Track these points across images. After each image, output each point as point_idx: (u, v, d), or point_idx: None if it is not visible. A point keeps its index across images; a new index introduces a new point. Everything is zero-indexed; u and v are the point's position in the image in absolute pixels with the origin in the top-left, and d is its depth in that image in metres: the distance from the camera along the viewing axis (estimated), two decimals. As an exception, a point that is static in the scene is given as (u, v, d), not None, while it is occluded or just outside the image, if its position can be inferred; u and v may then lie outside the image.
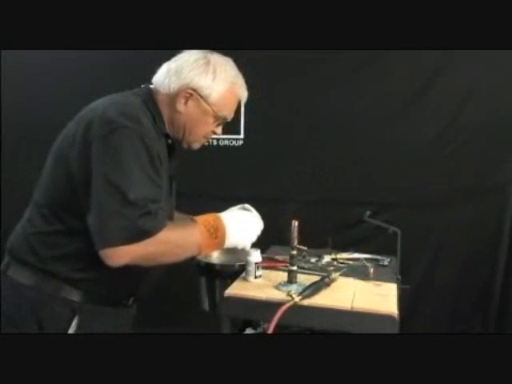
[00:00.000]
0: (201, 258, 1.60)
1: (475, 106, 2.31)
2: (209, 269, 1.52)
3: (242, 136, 2.52)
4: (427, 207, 2.39)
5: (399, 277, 1.52)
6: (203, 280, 1.54)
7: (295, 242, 1.38)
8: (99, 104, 1.25)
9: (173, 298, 2.33)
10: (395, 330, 1.20)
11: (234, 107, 1.34)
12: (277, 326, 1.14)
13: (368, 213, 1.83)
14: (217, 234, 1.23)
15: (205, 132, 1.33)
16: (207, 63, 1.27)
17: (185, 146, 1.35)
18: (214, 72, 1.27)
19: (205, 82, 1.26)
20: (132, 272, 1.17)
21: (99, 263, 1.12)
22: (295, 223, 1.38)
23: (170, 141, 1.30)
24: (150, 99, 1.28)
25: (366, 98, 2.40)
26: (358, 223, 2.21)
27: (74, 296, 1.20)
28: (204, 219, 1.25)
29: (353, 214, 2.30)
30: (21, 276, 1.22)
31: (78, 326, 1.19)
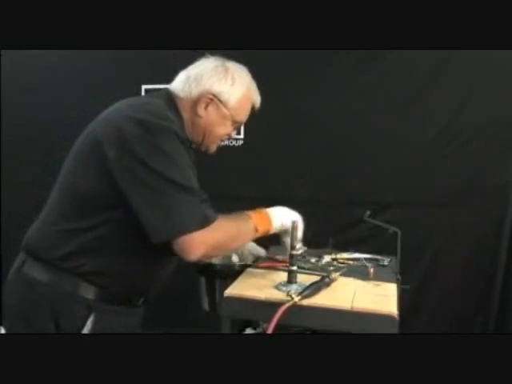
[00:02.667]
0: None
1: (475, 106, 2.31)
2: (209, 269, 1.52)
3: (242, 136, 2.52)
4: (427, 207, 2.38)
5: (399, 277, 1.52)
6: (203, 280, 1.54)
7: (295, 242, 1.38)
8: (123, 106, 1.31)
9: (173, 298, 2.33)
10: (395, 330, 1.20)
11: (249, 111, 1.42)
12: (277, 325, 1.14)
13: (368, 213, 1.82)
14: (262, 215, 1.34)
15: (223, 134, 1.41)
16: (226, 70, 1.35)
17: (203, 149, 1.42)
18: (233, 78, 1.35)
19: (224, 87, 1.33)
20: (145, 270, 1.26)
21: (116, 259, 1.21)
22: (295, 223, 1.38)
23: (193, 145, 1.38)
24: (172, 103, 1.34)
25: (365, 98, 2.40)
26: (358, 223, 2.21)
27: (90, 293, 1.23)
28: (252, 212, 1.35)
29: (353, 213, 2.30)
30: (37, 273, 1.24)
31: (94, 324, 1.22)
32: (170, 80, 2.59)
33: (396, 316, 1.21)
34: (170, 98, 1.35)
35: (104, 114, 1.31)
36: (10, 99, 2.75)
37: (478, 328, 2.39)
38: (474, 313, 2.40)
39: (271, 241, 1.95)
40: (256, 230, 1.31)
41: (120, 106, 1.31)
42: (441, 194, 2.37)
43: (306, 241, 1.74)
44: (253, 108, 1.42)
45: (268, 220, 1.35)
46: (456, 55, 2.28)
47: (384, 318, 1.21)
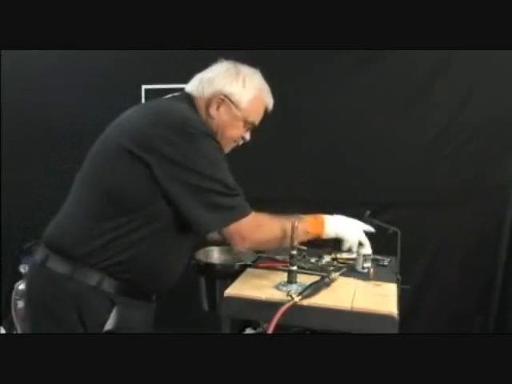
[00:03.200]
0: (201, 258, 1.60)
1: (475, 106, 2.31)
2: (209, 269, 1.52)
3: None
4: (427, 207, 2.38)
5: (399, 277, 1.52)
6: (203, 280, 1.54)
7: (295, 242, 1.38)
8: (148, 108, 1.38)
9: (173, 298, 2.33)
10: (395, 330, 1.20)
11: (261, 113, 1.45)
12: (277, 325, 1.14)
13: (368, 213, 1.82)
14: (317, 219, 1.40)
15: (235, 136, 1.44)
16: (238, 73, 1.39)
17: None
18: (244, 80, 1.39)
19: (235, 88, 1.37)
20: (168, 264, 1.34)
21: (141, 254, 1.26)
22: (295, 223, 1.38)
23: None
24: (192, 104, 1.38)
25: (365, 98, 2.40)
26: (358, 223, 2.21)
27: (113, 287, 1.27)
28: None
29: (353, 214, 2.30)
30: (61, 267, 1.26)
31: (116, 318, 1.26)
32: (169, 80, 2.59)
33: (396, 316, 1.21)
34: (190, 100, 1.39)
35: (128, 117, 1.35)
36: (9, 99, 2.75)
37: (478, 328, 2.39)
38: (473, 313, 2.40)
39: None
40: (307, 232, 1.37)
41: (146, 108, 1.40)
42: (441, 194, 2.37)
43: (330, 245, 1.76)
44: (266, 111, 1.45)
45: (321, 225, 1.40)
46: (456, 55, 2.28)
47: (384, 318, 1.21)
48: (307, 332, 1.33)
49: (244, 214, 1.28)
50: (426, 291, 2.42)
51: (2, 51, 2.61)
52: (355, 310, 1.24)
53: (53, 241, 1.31)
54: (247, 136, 1.48)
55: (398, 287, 1.44)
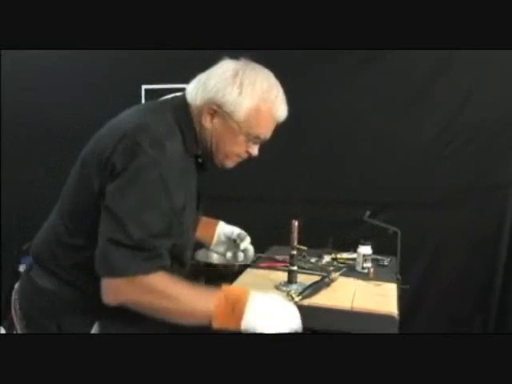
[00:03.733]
0: (201, 258, 1.60)
1: (475, 106, 2.31)
2: (209, 269, 1.52)
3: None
4: (427, 207, 2.38)
5: (399, 277, 1.52)
6: (203, 280, 1.54)
7: (295, 242, 1.38)
8: (130, 119, 1.17)
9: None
10: (395, 330, 1.21)
11: (268, 125, 1.20)
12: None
13: (368, 213, 1.83)
14: (234, 306, 1.07)
15: (236, 152, 1.21)
16: (234, 75, 1.15)
17: (218, 165, 1.24)
18: (241, 86, 1.14)
19: (229, 96, 1.14)
20: None
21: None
22: (295, 223, 1.38)
23: (200, 160, 1.22)
24: (184, 113, 1.19)
25: (365, 98, 2.40)
26: (358, 223, 2.21)
27: (92, 304, 1.13)
28: (231, 288, 1.17)
29: (353, 213, 2.30)
30: (42, 280, 1.21)
31: (98, 331, 1.18)
32: (169, 80, 2.59)
33: (396, 316, 1.22)
34: (184, 108, 1.19)
35: (110, 125, 1.22)
36: (10, 99, 2.75)
37: (478, 328, 2.39)
38: (473, 313, 2.40)
39: (270, 241, 1.96)
40: (210, 320, 1.06)
41: (128, 118, 1.19)
42: (441, 194, 2.38)
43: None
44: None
45: (237, 320, 1.07)
46: (456, 55, 2.29)
47: (384, 317, 1.21)
48: (307, 332, 1.33)
49: (134, 274, 1.04)
50: (426, 291, 2.42)
51: (2, 51, 2.61)
52: (355, 310, 1.24)
53: (34, 251, 1.26)
54: (254, 151, 1.23)
55: (398, 287, 1.45)
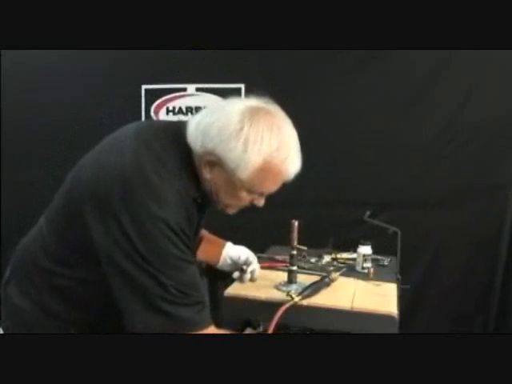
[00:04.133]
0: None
1: (475, 106, 2.31)
2: (210, 269, 1.52)
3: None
4: (427, 207, 2.38)
5: (399, 277, 1.52)
6: (205, 280, 1.54)
7: (295, 242, 1.38)
8: (129, 154, 1.03)
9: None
10: (395, 330, 1.21)
11: (276, 184, 1.09)
12: (277, 325, 1.14)
13: (368, 213, 1.83)
14: None
15: (237, 204, 1.14)
16: (239, 130, 1.00)
17: (219, 208, 1.16)
18: (246, 143, 1.00)
19: (232, 153, 1.01)
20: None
21: (94, 310, 1.09)
22: (295, 223, 1.38)
23: (199, 200, 1.10)
24: (187, 157, 1.07)
25: (365, 98, 2.39)
26: (358, 223, 2.21)
27: (69, 330, 1.11)
28: None
29: (353, 213, 2.30)
30: (18, 299, 1.15)
31: None
32: (169, 80, 2.59)
33: (396, 316, 1.22)
34: (187, 151, 1.07)
35: (106, 151, 1.10)
36: (10, 99, 2.74)
37: (478, 328, 2.39)
38: (473, 313, 2.40)
39: (270, 241, 1.96)
40: None
41: (125, 145, 1.06)
42: (441, 193, 2.37)
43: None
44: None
45: None
46: (456, 55, 2.28)
47: (384, 318, 1.21)
48: (307, 332, 1.33)
49: (195, 330, 1.01)
50: (427, 291, 2.42)
51: (2, 51, 2.61)
52: (355, 310, 1.25)
53: (13, 265, 1.20)
54: (260, 203, 1.14)
55: (398, 287, 1.45)
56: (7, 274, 1.20)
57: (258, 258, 1.62)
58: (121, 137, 1.12)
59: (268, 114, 1.06)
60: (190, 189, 1.06)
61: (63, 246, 1.10)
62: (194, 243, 1.16)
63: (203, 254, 1.37)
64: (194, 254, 1.17)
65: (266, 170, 1.03)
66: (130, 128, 1.15)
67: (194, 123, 1.07)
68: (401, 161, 2.40)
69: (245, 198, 1.10)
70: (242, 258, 1.47)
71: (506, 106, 2.28)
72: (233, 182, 1.05)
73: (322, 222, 2.33)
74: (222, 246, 1.50)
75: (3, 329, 1.22)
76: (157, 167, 1.01)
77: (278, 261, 1.66)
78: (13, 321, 1.19)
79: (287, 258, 1.43)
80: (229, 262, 1.49)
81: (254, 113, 1.03)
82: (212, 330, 1.04)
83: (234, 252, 1.49)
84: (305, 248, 1.46)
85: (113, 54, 2.39)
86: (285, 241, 1.46)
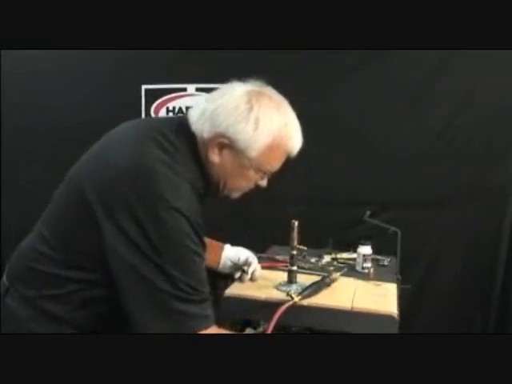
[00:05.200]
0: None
1: (475, 106, 2.31)
2: (211, 269, 1.52)
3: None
4: (427, 207, 2.38)
5: (399, 277, 1.52)
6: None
7: (295, 242, 1.38)
8: (132, 151, 1.04)
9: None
10: (395, 330, 1.21)
11: (281, 160, 1.16)
12: (276, 325, 1.14)
13: (368, 213, 1.83)
14: None
15: (245, 186, 1.18)
16: (249, 110, 1.06)
17: (222, 196, 1.19)
18: (257, 122, 1.06)
19: (243, 133, 1.06)
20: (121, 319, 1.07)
21: (98, 315, 1.09)
22: (295, 223, 1.38)
23: (201, 191, 1.11)
24: (193, 146, 1.10)
25: (365, 98, 2.39)
26: (358, 223, 2.21)
27: (70, 331, 1.10)
28: None
29: (353, 214, 2.30)
30: (18, 308, 1.12)
31: None
32: (169, 80, 2.59)
33: (396, 316, 1.22)
34: (192, 140, 1.10)
35: (108, 147, 1.11)
36: (10, 99, 2.74)
37: (478, 328, 2.39)
38: (473, 313, 2.40)
39: (270, 241, 1.96)
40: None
41: (131, 143, 1.06)
42: (441, 193, 2.37)
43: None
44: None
45: None
46: (456, 55, 2.28)
47: (384, 318, 1.21)
48: (307, 332, 1.33)
49: (201, 328, 1.01)
50: (426, 291, 2.41)
51: (2, 51, 2.61)
52: (355, 310, 1.24)
53: (11, 274, 1.17)
54: (263, 183, 1.21)
55: (398, 287, 1.45)
56: (5, 285, 1.16)
57: (258, 258, 1.62)
58: (121, 134, 1.13)
59: (270, 95, 1.14)
60: (196, 179, 1.08)
61: (69, 248, 1.08)
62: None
63: None
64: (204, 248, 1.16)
65: (274, 147, 1.10)
66: (128, 125, 1.16)
67: (196, 113, 1.11)
68: (401, 161, 2.40)
69: (252, 176, 1.15)
70: (242, 259, 1.48)
71: (506, 106, 2.28)
72: (242, 163, 1.10)
73: (322, 222, 2.33)
74: (221, 249, 1.50)
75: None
76: (165, 160, 1.02)
77: (278, 261, 1.66)
78: (13, 327, 1.15)
79: (287, 258, 1.43)
80: (229, 264, 1.49)
81: (259, 94, 1.11)
82: (213, 329, 1.05)
83: (233, 254, 1.49)
84: (305, 248, 1.46)
85: (113, 54, 2.39)
86: (285, 241, 1.46)
